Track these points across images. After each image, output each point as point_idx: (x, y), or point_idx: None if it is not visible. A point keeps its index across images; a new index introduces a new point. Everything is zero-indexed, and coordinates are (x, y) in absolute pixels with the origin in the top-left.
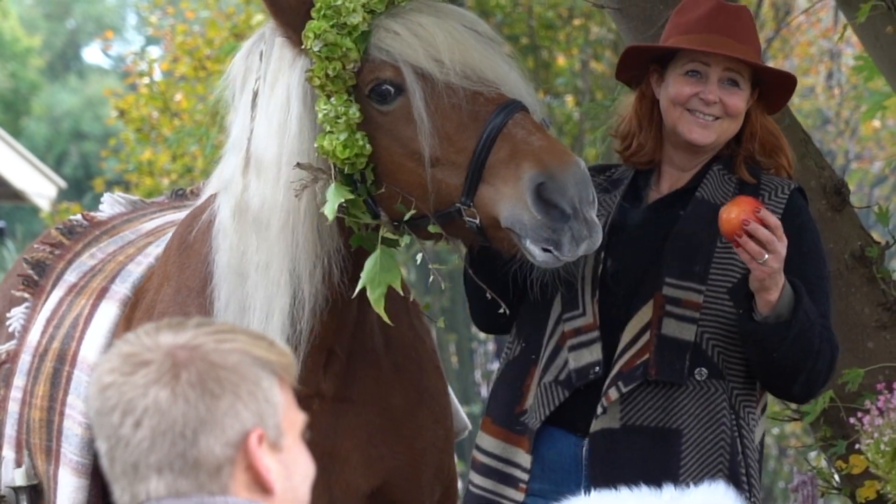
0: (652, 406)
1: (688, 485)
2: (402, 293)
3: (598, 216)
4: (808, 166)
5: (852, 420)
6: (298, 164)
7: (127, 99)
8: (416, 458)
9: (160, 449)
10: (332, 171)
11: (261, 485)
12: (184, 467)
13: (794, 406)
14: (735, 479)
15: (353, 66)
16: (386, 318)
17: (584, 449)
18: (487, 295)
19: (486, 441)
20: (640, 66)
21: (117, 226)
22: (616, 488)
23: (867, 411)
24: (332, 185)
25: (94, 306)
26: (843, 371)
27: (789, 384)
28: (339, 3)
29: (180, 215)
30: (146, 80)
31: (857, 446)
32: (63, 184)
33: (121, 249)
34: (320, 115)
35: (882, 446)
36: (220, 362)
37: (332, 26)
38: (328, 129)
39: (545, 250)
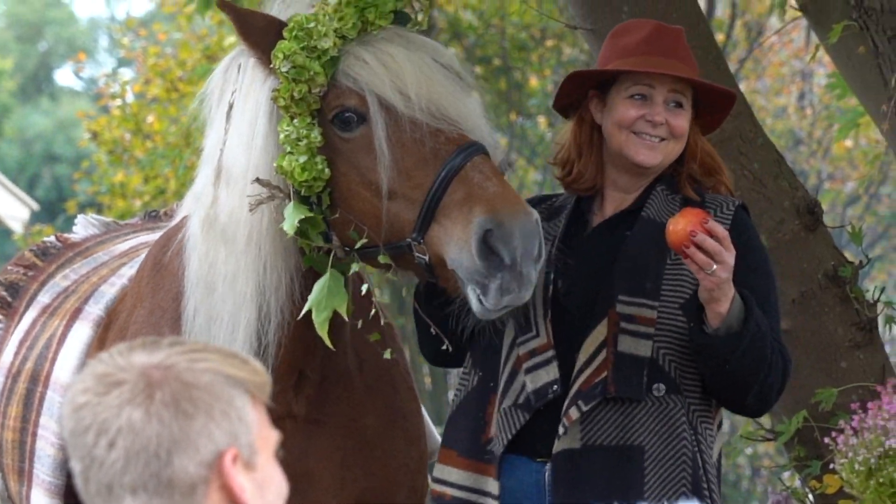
0: (612, 424)
1: (653, 501)
2: (346, 318)
3: (544, 241)
4: (782, 186)
5: (826, 440)
6: (257, 180)
7: (99, 121)
8: (389, 479)
9: (134, 469)
10: (290, 192)
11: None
12: (158, 487)
13: (767, 426)
14: (698, 495)
15: (319, 91)
16: (328, 343)
17: (546, 474)
18: (432, 330)
19: (454, 474)
20: (579, 92)
21: (91, 247)
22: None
23: (841, 431)
24: (291, 205)
25: (68, 327)
26: (817, 391)
27: (743, 397)
28: (311, 26)
29: (153, 236)
30: (118, 102)
31: (831, 466)
32: (36, 206)
33: (94, 271)
34: (282, 136)
35: (856, 466)
36: (193, 382)
37: (301, 48)
38: (289, 149)
39: (479, 299)
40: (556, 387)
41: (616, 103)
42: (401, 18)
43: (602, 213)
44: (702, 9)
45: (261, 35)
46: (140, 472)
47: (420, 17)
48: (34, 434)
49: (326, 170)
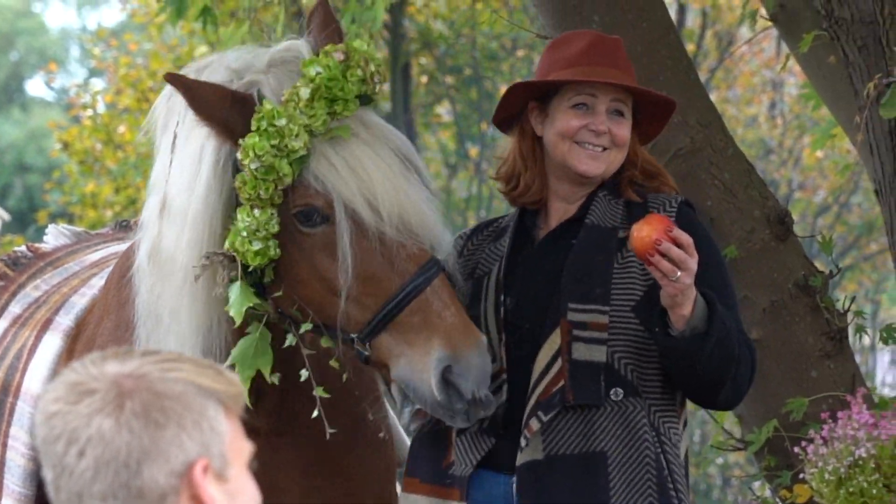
0: (573, 432)
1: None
2: (269, 380)
3: (492, 260)
4: (752, 196)
5: (797, 449)
6: (206, 256)
7: (70, 131)
8: (355, 489)
9: (104, 478)
10: (238, 265)
11: None
12: (127, 497)
13: (737, 436)
14: (664, 495)
15: (284, 187)
16: (248, 402)
17: (514, 486)
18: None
19: (421, 501)
20: (519, 105)
21: (62, 257)
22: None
23: (811, 440)
24: (238, 286)
25: (38, 338)
26: (787, 400)
27: (715, 394)
28: (282, 123)
29: (124, 246)
30: (90, 112)
31: (801, 475)
32: (7, 216)
33: (65, 281)
34: (240, 224)
35: (826, 475)
36: (164, 392)
37: (272, 147)
38: (248, 236)
39: (424, 416)
40: (502, 409)
41: (558, 114)
42: (363, 100)
43: (547, 226)
44: (672, 19)
45: (214, 108)
46: (110, 482)
47: (377, 89)
48: (4, 444)
49: (277, 251)
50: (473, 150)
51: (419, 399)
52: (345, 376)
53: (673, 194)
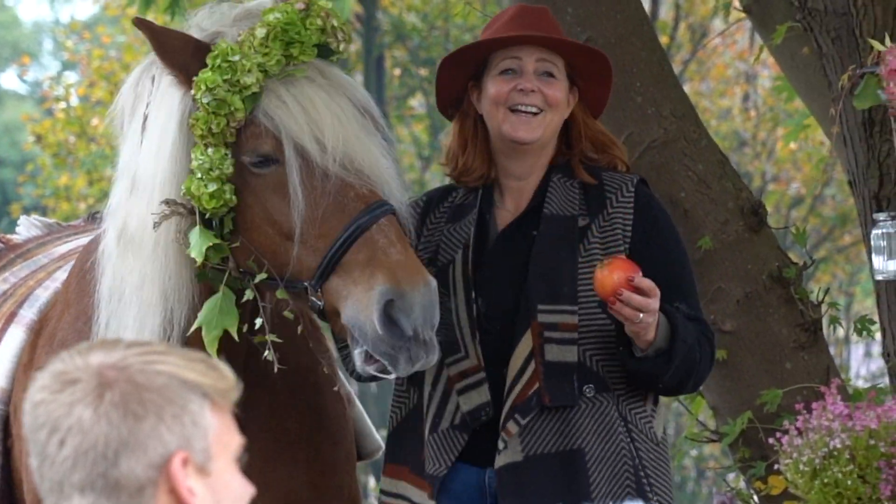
0: (550, 432)
1: (601, 499)
2: (236, 338)
3: (454, 246)
4: (726, 187)
5: (771, 440)
6: (165, 202)
7: (44, 124)
8: (314, 481)
9: (82, 468)
10: (196, 214)
11: None
12: (105, 487)
13: (712, 427)
14: (639, 485)
15: (236, 124)
16: (215, 357)
17: (487, 479)
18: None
19: (412, 491)
20: (460, 88)
21: (31, 249)
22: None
23: (786, 432)
24: (197, 229)
25: (3, 331)
26: (762, 392)
27: (678, 392)
28: (235, 59)
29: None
30: (63, 105)
31: (776, 467)
32: None
33: (32, 274)
34: (194, 163)
35: (801, 466)
36: (145, 383)
37: (224, 81)
38: (200, 176)
39: (375, 361)
40: (488, 409)
41: (490, 83)
42: (324, 52)
43: (504, 206)
44: (646, 11)
45: (178, 54)
46: (88, 472)
47: (342, 48)
48: None
49: (233, 197)
50: (447, 143)
51: (363, 338)
52: (300, 328)
53: (628, 175)
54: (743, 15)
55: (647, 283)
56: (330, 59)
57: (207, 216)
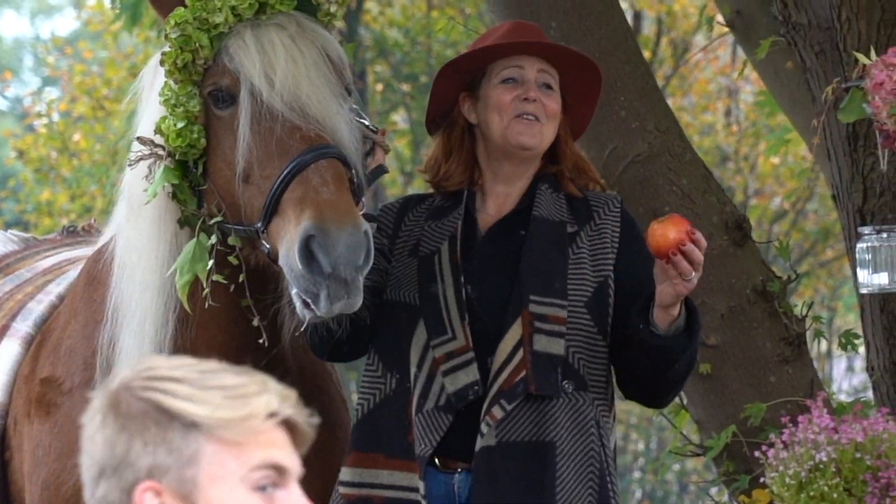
0: (526, 421)
1: (565, 494)
2: (205, 285)
3: (438, 238)
4: (710, 202)
5: (757, 454)
6: (138, 139)
7: (25, 139)
8: (326, 489)
9: (88, 489)
10: (166, 154)
11: None
12: None
13: (696, 441)
14: (602, 486)
15: (203, 62)
16: (186, 306)
17: (455, 485)
18: (254, 322)
19: (383, 476)
20: (450, 100)
21: (11, 264)
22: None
23: (772, 445)
24: (162, 167)
25: None
26: (746, 406)
27: (666, 394)
28: None
29: (76, 252)
30: (45, 120)
31: (761, 480)
32: None
33: (18, 288)
34: (161, 98)
35: (787, 479)
36: (126, 410)
37: (194, 18)
38: (168, 112)
39: (305, 303)
40: (476, 387)
41: (489, 92)
42: (305, 6)
43: (486, 211)
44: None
45: (170, 2)
46: (89, 494)
47: (334, 9)
48: None
49: (203, 140)
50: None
51: (289, 275)
52: (242, 277)
53: (612, 194)
54: (726, 30)
55: (703, 241)
56: (324, 21)
57: (177, 157)
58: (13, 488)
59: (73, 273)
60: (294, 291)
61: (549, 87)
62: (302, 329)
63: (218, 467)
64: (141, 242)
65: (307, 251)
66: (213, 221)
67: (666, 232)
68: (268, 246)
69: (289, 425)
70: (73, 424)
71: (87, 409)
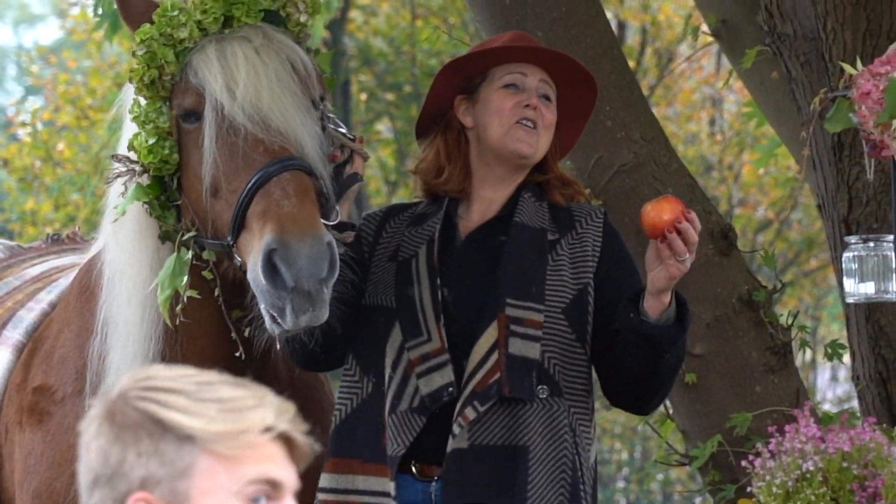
0: (498, 425)
1: (536, 500)
2: (184, 298)
3: (417, 242)
4: (695, 211)
5: (744, 463)
6: (113, 156)
7: (9, 149)
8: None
9: (84, 497)
10: (141, 170)
11: None
12: None
13: (681, 451)
14: (575, 495)
15: (170, 78)
16: (168, 320)
17: (433, 494)
18: (233, 335)
19: (359, 481)
20: (445, 101)
21: None
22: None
23: (759, 454)
24: (134, 185)
25: None
26: (731, 415)
27: (653, 395)
28: (174, 14)
29: (63, 260)
30: (29, 129)
31: (748, 489)
32: None
33: (8, 296)
34: (132, 115)
35: (774, 489)
36: (121, 420)
37: (159, 34)
38: (139, 128)
39: (273, 317)
40: (451, 389)
41: (490, 97)
42: (273, 19)
43: (469, 218)
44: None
45: (140, 17)
46: (84, 500)
47: (304, 19)
48: None
49: (175, 155)
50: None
51: (255, 290)
52: (217, 291)
53: (595, 206)
54: (711, 39)
55: (698, 222)
56: (294, 32)
57: (152, 173)
58: (4, 497)
59: (63, 281)
60: (262, 306)
61: (547, 98)
62: (273, 343)
63: (210, 481)
64: (123, 258)
65: (270, 265)
66: (187, 237)
67: (660, 211)
68: (240, 259)
69: (285, 439)
70: (65, 433)
71: (80, 417)
